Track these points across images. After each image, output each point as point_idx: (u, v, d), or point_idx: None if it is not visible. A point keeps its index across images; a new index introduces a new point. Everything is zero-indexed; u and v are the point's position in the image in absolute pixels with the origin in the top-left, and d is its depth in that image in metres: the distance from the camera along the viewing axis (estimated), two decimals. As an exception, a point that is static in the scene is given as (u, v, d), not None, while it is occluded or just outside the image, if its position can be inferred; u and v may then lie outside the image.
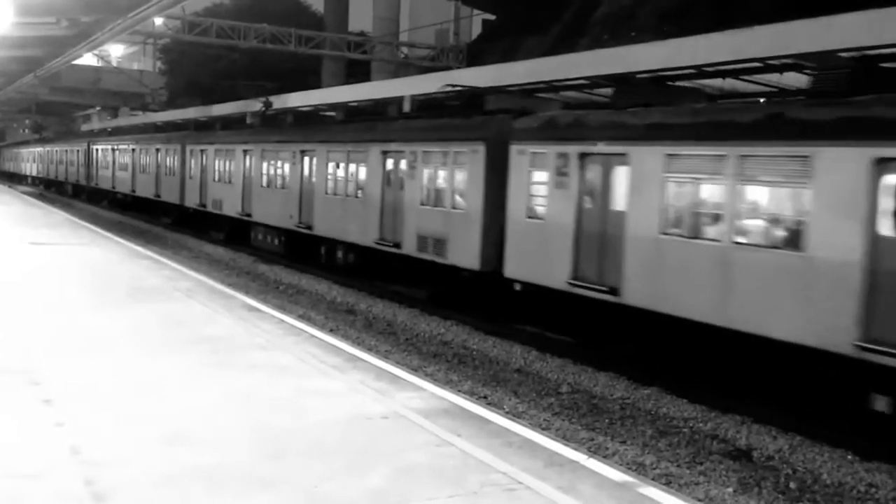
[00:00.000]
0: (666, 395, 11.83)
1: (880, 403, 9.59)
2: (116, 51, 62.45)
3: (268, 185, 25.85)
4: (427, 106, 21.93)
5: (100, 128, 55.76)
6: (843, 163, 9.88)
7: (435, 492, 6.01)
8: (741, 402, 11.30)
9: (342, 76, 46.60)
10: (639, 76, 15.82)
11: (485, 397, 11.52)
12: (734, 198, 11.19)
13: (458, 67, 35.06)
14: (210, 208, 30.67)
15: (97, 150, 49.21)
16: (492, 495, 5.99)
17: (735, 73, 14.65)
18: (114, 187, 45.09)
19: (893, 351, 9.27)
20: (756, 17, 16.94)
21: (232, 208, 28.33)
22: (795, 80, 14.10)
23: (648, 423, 10.88)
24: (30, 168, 76.18)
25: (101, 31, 24.14)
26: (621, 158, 13.05)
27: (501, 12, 47.53)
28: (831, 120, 10.23)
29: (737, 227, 11.21)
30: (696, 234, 11.84)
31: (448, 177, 17.00)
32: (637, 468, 9.04)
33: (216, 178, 30.04)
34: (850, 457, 9.65)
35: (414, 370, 11.30)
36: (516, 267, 15.13)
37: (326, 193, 21.98)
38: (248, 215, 27.15)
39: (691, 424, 10.82)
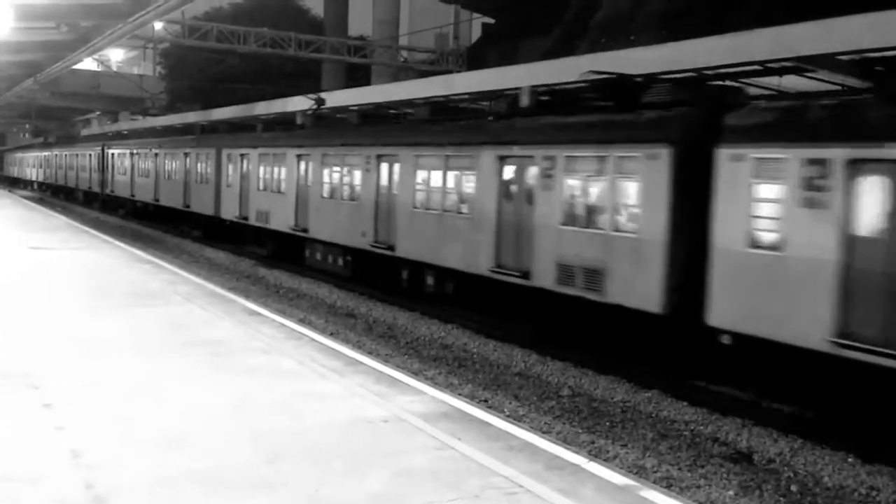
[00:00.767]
0: (666, 398, 11.82)
1: None
2: (116, 55, 62.43)
3: (331, 196, 21.98)
4: (543, 103, 16.08)
5: (114, 131, 51.63)
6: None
7: (435, 496, 6.00)
8: (741, 403, 11.30)
9: (343, 78, 46.72)
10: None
11: (485, 401, 11.51)
12: None
13: (459, 71, 34.98)
14: (253, 221, 26.70)
15: (113, 154, 44.78)
16: (492, 499, 5.98)
17: (734, 76, 14.64)
18: (133, 195, 40.96)
19: None
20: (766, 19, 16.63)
21: (282, 222, 24.50)
22: (795, 82, 14.10)
23: (649, 426, 10.87)
24: (35, 173, 72.26)
25: (101, 36, 24.10)
26: None
27: (501, 16, 47.59)
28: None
29: None
30: None
31: (607, 189, 13.35)
32: (638, 471, 9.04)
33: (261, 187, 26.13)
34: (851, 459, 9.64)
35: (414, 374, 11.28)
36: (727, 313, 11.37)
37: (415, 207, 18.18)
38: (304, 230, 23.25)
39: (692, 427, 10.81)
